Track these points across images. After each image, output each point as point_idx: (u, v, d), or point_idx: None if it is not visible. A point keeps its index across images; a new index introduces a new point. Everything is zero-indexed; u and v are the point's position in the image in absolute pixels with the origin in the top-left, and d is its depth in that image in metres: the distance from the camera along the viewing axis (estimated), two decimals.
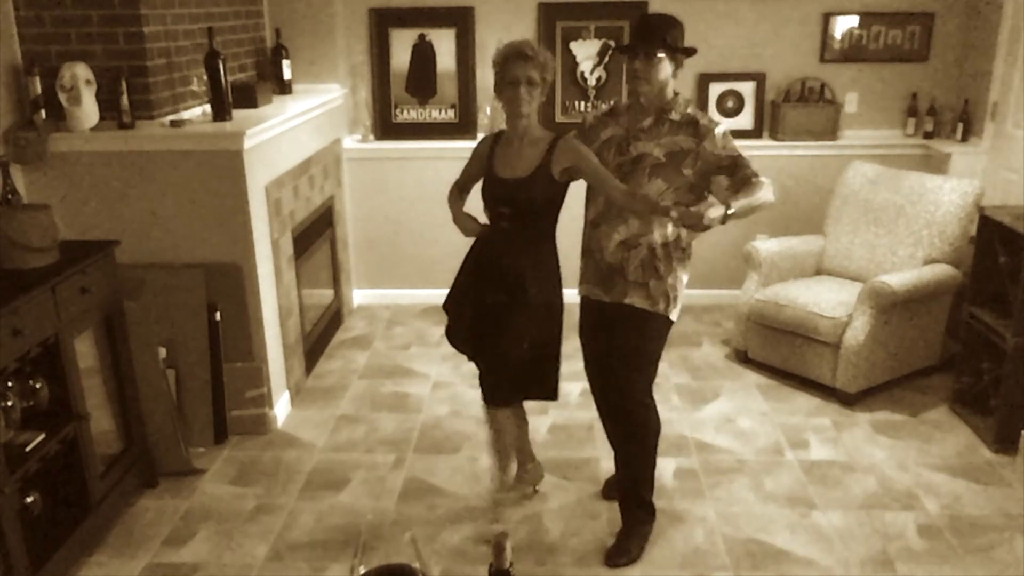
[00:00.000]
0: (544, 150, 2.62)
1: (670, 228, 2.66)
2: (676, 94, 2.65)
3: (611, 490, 3.06)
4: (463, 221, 2.76)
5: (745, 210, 2.50)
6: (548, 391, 2.88)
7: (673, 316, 2.72)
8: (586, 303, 2.84)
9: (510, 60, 2.57)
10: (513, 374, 2.80)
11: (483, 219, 2.78)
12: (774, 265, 4.14)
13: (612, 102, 2.86)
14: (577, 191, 2.74)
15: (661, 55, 2.52)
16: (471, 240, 2.81)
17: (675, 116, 2.61)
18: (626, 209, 2.59)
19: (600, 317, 2.78)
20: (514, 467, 3.08)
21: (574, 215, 2.85)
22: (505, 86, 2.60)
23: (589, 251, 2.78)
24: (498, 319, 2.71)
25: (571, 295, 2.82)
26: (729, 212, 2.43)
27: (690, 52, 2.61)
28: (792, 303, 3.86)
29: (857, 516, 2.99)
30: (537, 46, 2.59)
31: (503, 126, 2.77)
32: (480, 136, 4.76)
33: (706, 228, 2.44)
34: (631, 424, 2.79)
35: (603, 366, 2.80)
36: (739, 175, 2.57)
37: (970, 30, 4.57)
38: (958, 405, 3.69)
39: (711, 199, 2.57)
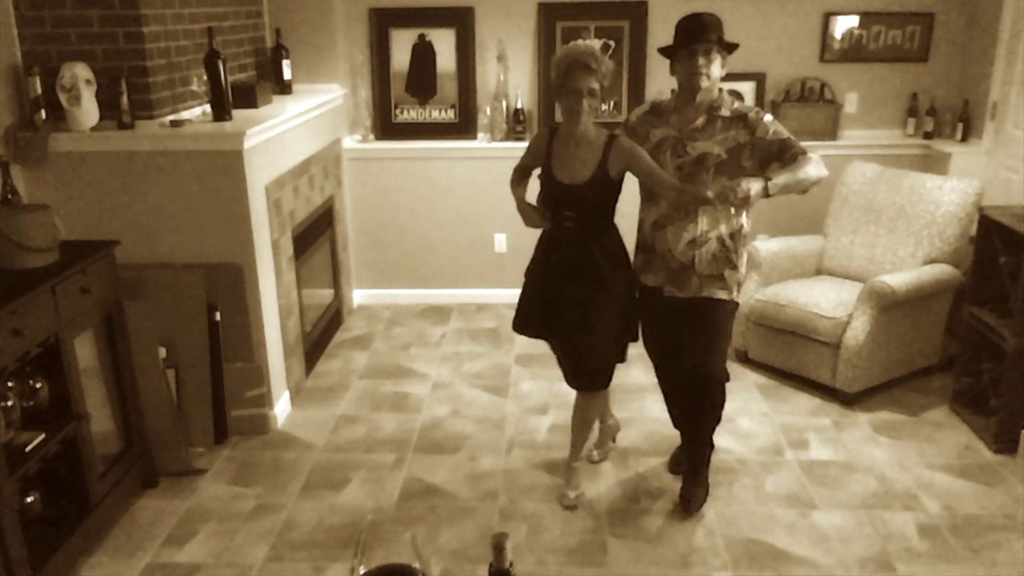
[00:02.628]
0: (600, 152, 2.74)
1: (738, 220, 2.80)
2: (721, 90, 2.75)
3: (678, 464, 3.23)
4: (527, 212, 2.88)
5: (790, 184, 2.61)
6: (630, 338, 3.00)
7: (739, 300, 2.91)
8: (653, 294, 2.92)
9: (573, 70, 2.65)
10: (608, 360, 2.92)
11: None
12: (774, 265, 4.14)
13: (651, 101, 2.93)
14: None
15: (717, 51, 2.64)
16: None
17: (725, 112, 2.72)
18: (678, 205, 2.75)
19: (672, 309, 2.90)
20: (594, 438, 3.23)
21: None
22: (566, 95, 2.69)
23: (651, 249, 2.89)
24: (585, 314, 2.83)
25: None
26: (769, 184, 2.56)
27: (735, 47, 2.72)
28: (792, 303, 3.86)
29: (857, 516, 2.99)
30: (600, 54, 2.67)
31: (556, 122, 2.89)
32: (480, 136, 4.79)
33: (746, 202, 2.53)
34: (712, 400, 2.91)
35: (681, 353, 2.89)
36: (787, 155, 2.68)
37: (970, 30, 4.57)
38: (958, 405, 3.69)
39: (741, 181, 2.62)
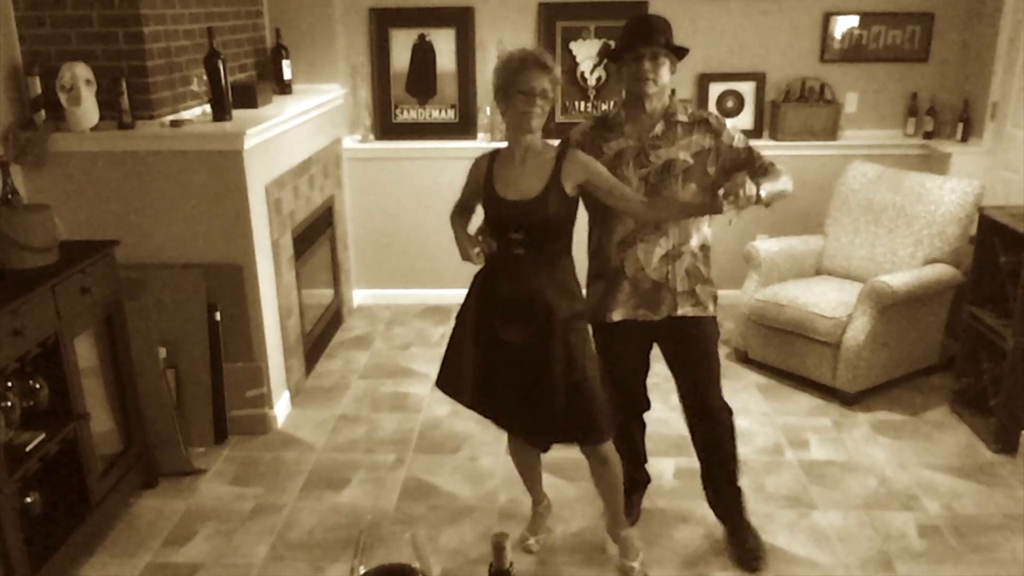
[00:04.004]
0: (552, 164, 2.39)
1: (706, 229, 2.64)
2: (673, 92, 2.63)
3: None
4: (463, 244, 2.46)
5: (774, 193, 2.42)
6: (595, 432, 2.50)
7: (717, 315, 2.71)
8: (622, 331, 2.64)
9: (526, 68, 2.31)
10: (555, 417, 2.44)
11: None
12: (774, 265, 4.14)
13: (597, 114, 2.69)
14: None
15: (665, 55, 2.46)
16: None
17: (683, 118, 2.56)
18: (652, 218, 2.50)
19: (648, 337, 2.70)
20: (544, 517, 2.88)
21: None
22: (516, 97, 2.32)
23: (617, 274, 2.61)
24: (527, 362, 2.43)
25: None
26: (761, 189, 2.35)
27: (685, 52, 2.55)
28: (792, 303, 3.86)
29: (857, 516, 2.99)
30: (551, 58, 2.38)
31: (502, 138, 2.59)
32: (480, 136, 4.79)
33: (748, 204, 2.31)
34: (720, 428, 2.74)
35: (689, 387, 2.72)
36: (757, 164, 2.57)
37: (970, 30, 4.57)
38: (958, 405, 3.69)
39: (746, 181, 2.39)
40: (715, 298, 2.68)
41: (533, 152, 2.42)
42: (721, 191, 2.33)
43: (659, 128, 2.54)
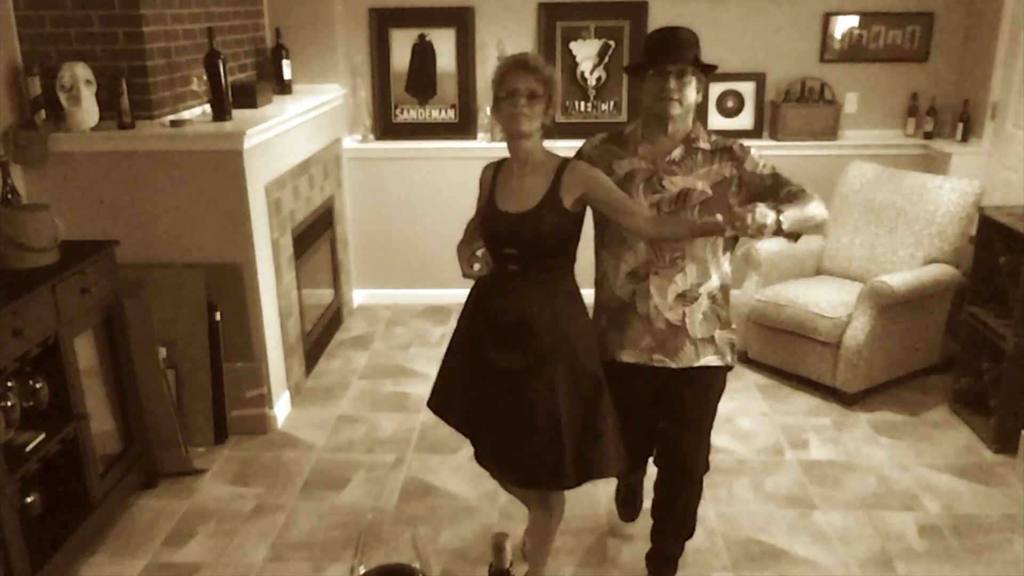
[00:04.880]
0: (551, 176, 2.24)
1: (726, 267, 2.42)
2: (695, 121, 2.39)
3: (625, 504, 2.89)
4: (462, 259, 2.37)
5: (800, 220, 2.19)
6: (601, 465, 2.30)
7: (733, 363, 2.48)
8: (635, 371, 2.42)
9: (509, 72, 2.20)
10: (547, 455, 2.26)
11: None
12: (774, 265, 4.14)
13: (608, 131, 2.49)
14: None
15: (692, 74, 2.26)
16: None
17: (705, 145, 2.34)
18: (658, 236, 2.29)
19: (663, 384, 2.43)
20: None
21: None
22: (503, 100, 2.20)
23: (627, 309, 2.40)
24: (519, 390, 2.26)
25: None
26: (781, 216, 2.12)
27: (714, 69, 2.35)
28: (792, 303, 3.86)
29: (857, 516, 2.99)
30: (542, 61, 2.24)
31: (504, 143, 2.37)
32: (480, 136, 4.79)
33: (762, 233, 2.09)
34: (694, 486, 2.54)
35: (669, 435, 2.51)
36: (785, 191, 2.28)
37: (970, 30, 4.57)
38: (958, 405, 3.69)
39: (757, 206, 2.15)
40: (733, 346, 2.46)
41: (534, 162, 2.27)
42: (720, 217, 2.11)
43: (677, 153, 2.33)
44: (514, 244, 2.24)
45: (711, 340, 2.39)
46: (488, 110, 4.71)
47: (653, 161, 2.34)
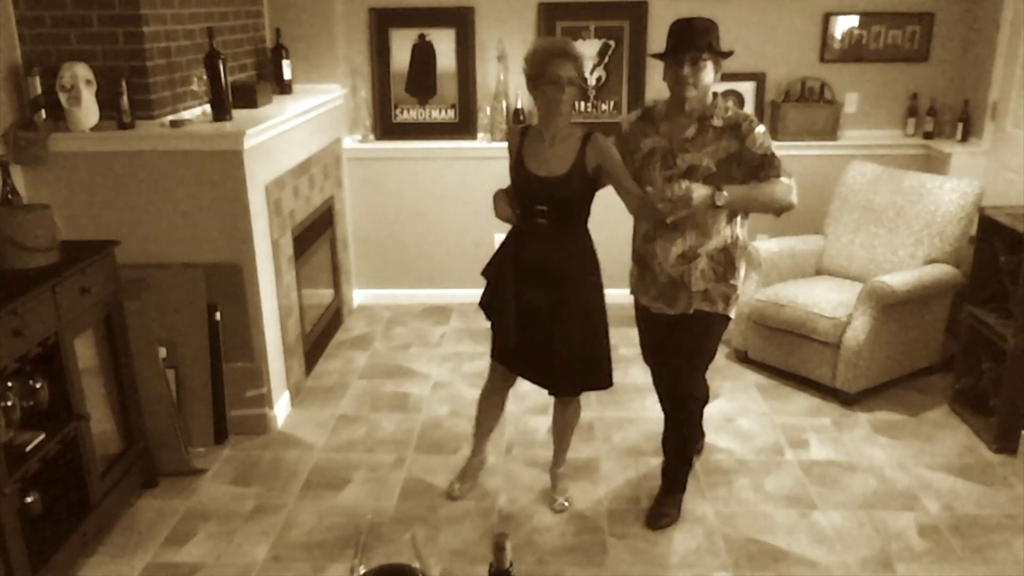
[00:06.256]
0: (578, 147, 2.65)
1: (729, 231, 2.71)
2: (715, 95, 2.66)
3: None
4: (499, 200, 2.76)
5: (744, 197, 2.57)
6: (602, 379, 2.88)
7: (732, 314, 2.82)
8: (646, 314, 2.92)
9: (553, 59, 2.56)
10: (575, 365, 2.81)
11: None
12: (774, 265, 4.14)
13: (644, 106, 2.85)
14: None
15: (707, 59, 2.54)
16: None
17: (717, 122, 2.62)
18: (635, 216, 2.73)
19: (663, 328, 2.86)
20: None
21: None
22: (545, 85, 2.58)
23: (643, 263, 2.82)
24: (545, 321, 2.75)
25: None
26: (718, 193, 2.49)
27: (729, 54, 2.63)
28: (792, 303, 3.86)
29: (857, 516, 2.99)
30: (573, 44, 2.63)
31: (530, 122, 2.78)
32: (480, 136, 4.79)
33: (686, 203, 2.47)
34: (683, 411, 2.92)
35: (670, 368, 2.91)
36: (763, 173, 2.60)
37: (970, 30, 4.57)
38: (958, 405, 3.69)
39: (680, 181, 2.54)
40: (728, 298, 2.77)
41: (562, 135, 2.67)
42: (660, 205, 2.49)
43: (691, 131, 2.62)
44: (545, 202, 2.67)
45: (706, 293, 2.74)
46: (488, 109, 4.72)
47: (670, 139, 2.66)
